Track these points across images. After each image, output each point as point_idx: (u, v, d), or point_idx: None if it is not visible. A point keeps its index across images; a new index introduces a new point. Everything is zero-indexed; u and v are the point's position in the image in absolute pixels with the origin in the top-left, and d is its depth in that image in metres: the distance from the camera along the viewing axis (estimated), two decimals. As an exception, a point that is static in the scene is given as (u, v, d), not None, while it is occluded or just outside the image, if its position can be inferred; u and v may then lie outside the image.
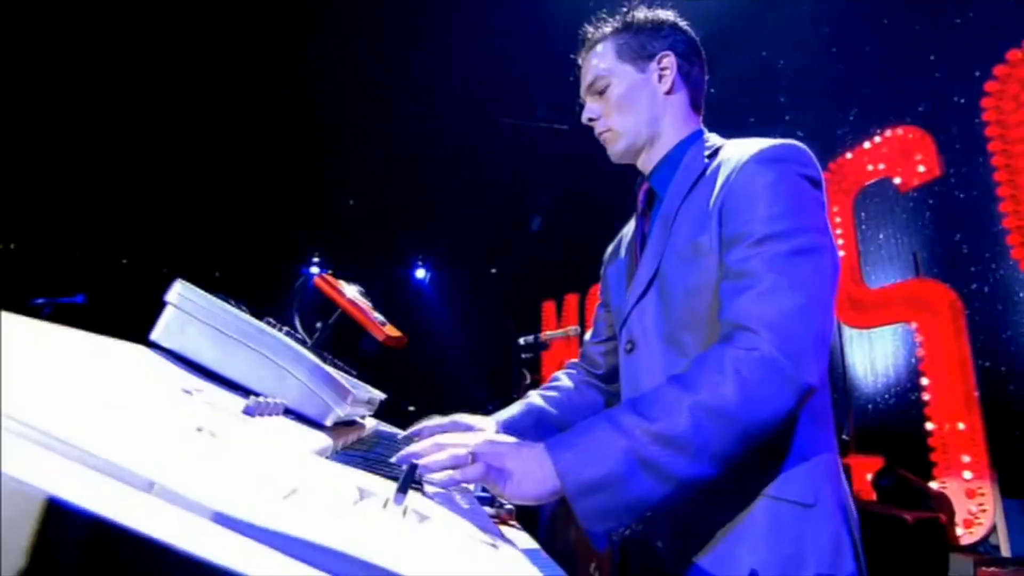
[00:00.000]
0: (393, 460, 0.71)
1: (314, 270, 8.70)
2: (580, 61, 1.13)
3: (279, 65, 6.41)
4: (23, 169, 6.17)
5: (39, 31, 5.65)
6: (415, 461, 0.70)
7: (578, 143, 6.71)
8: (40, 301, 3.16)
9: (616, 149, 1.08)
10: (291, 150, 7.26)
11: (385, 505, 0.36)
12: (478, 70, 6.23)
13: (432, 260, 9.29)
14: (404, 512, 0.36)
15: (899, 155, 3.57)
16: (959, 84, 3.25)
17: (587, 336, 1.33)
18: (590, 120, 1.09)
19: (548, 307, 7.34)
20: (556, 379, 1.33)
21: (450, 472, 0.69)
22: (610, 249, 1.25)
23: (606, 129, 1.07)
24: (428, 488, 0.71)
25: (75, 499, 0.20)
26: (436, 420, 1.10)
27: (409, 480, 0.37)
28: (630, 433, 0.71)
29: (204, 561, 0.21)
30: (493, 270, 9.44)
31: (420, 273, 9.30)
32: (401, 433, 1.27)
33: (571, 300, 6.77)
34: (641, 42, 1.06)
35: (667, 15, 1.10)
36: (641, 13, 1.09)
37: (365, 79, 6.63)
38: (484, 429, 1.10)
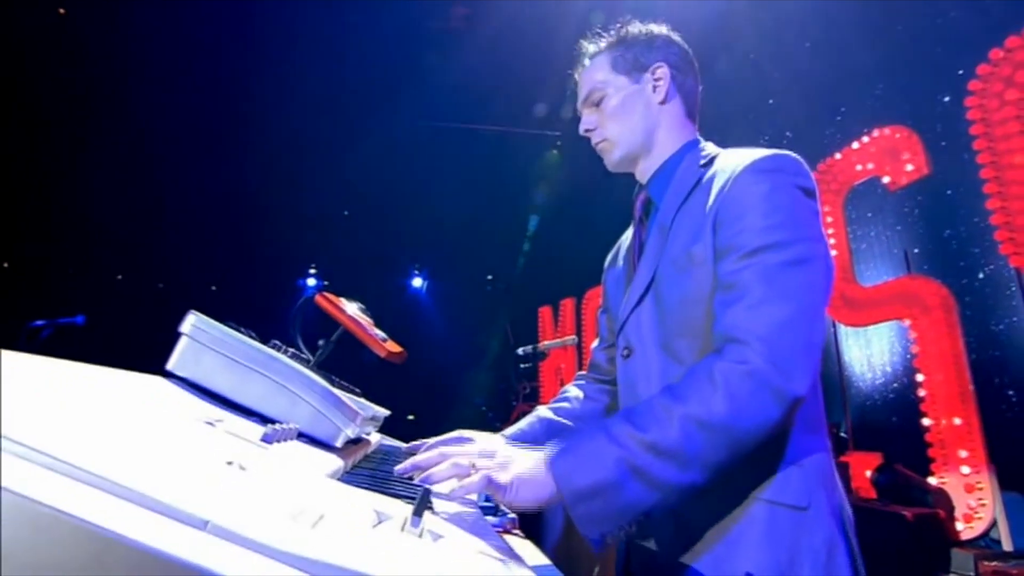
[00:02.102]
0: (397, 469, 0.75)
1: (311, 282, 8.71)
2: (576, 76, 1.16)
3: (272, 77, 6.44)
4: (11, 186, 6.16)
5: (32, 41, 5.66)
6: (418, 474, 0.74)
7: (572, 149, 6.76)
8: (40, 323, 3.16)
9: (612, 158, 1.11)
10: (285, 162, 7.28)
11: (403, 527, 0.39)
12: (470, 78, 6.28)
13: (429, 268, 9.31)
14: (421, 534, 0.39)
15: (887, 154, 3.62)
16: (943, 83, 3.30)
17: (594, 344, 1.35)
18: (587, 131, 1.12)
19: (544, 312, 7.37)
20: (565, 391, 1.35)
21: (453, 484, 0.73)
22: (610, 257, 1.28)
23: (602, 139, 1.10)
24: (436, 503, 0.74)
25: (142, 539, 0.23)
26: (437, 439, 1.13)
27: (424, 504, 0.40)
28: (622, 442, 0.75)
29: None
30: (489, 276, 9.47)
31: (417, 282, 9.31)
32: (405, 447, 1.29)
33: (567, 305, 6.80)
34: (635, 54, 1.09)
35: (660, 29, 1.13)
36: (635, 27, 1.12)
37: (358, 89, 6.67)
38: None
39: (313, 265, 8.71)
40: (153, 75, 6.16)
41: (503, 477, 0.73)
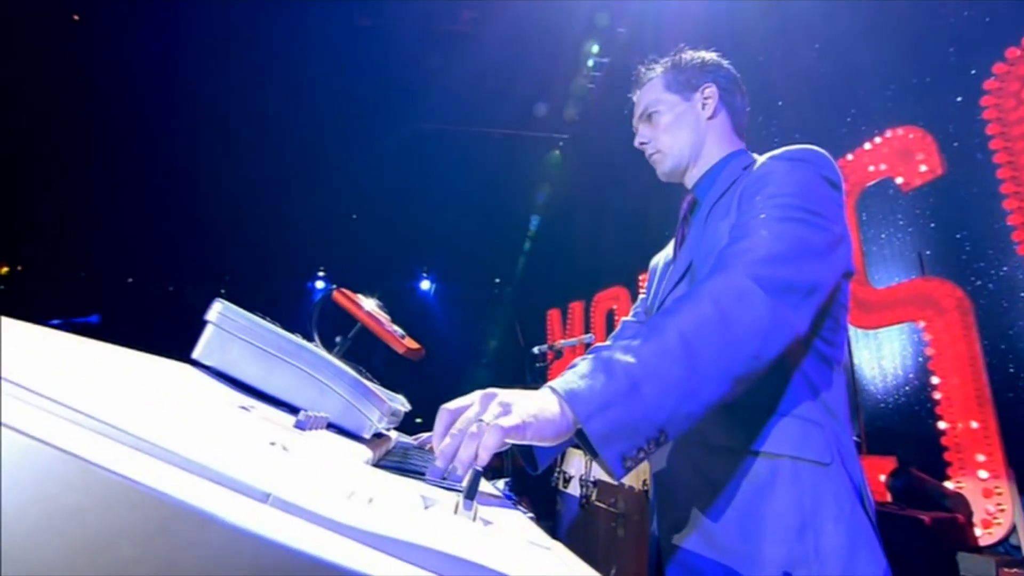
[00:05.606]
0: (430, 474, 0.70)
1: (319, 284, 8.74)
2: (635, 97, 1.27)
3: (280, 80, 6.48)
4: (23, 190, 6.22)
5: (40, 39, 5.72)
6: (443, 465, 0.71)
7: (578, 152, 6.77)
8: (56, 322, 3.19)
9: (664, 168, 1.22)
10: (294, 165, 7.32)
11: (456, 511, 0.38)
12: (477, 81, 6.29)
13: (437, 271, 9.32)
14: (474, 517, 0.38)
15: (900, 155, 3.59)
16: (957, 83, 3.27)
17: (625, 317, 1.43)
18: (641, 144, 1.24)
19: (553, 315, 7.35)
20: (574, 366, 1.34)
21: (475, 455, 0.65)
22: (659, 254, 1.39)
23: (655, 151, 1.22)
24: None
25: (209, 508, 0.22)
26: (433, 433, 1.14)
27: (475, 486, 0.39)
28: (625, 354, 0.75)
29: (319, 560, 0.23)
30: (497, 279, 9.47)
31: (425, 285, 9.32)
32: (415, 442, 1.30)
33: (576, 308, 6.77)
34: (688, 76, 1.21)
35: (711, 55, 1.26)
36: (688, 54, 1.24)
37: (366, 92, 6.70)
38: None
39: (322, 268, 8.75)
40: (164, 79, 6.22)
41: (515, 421, 0.68)
